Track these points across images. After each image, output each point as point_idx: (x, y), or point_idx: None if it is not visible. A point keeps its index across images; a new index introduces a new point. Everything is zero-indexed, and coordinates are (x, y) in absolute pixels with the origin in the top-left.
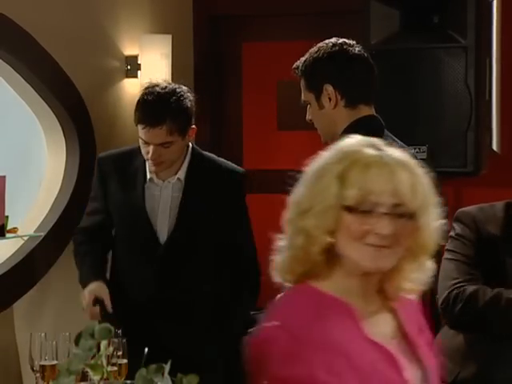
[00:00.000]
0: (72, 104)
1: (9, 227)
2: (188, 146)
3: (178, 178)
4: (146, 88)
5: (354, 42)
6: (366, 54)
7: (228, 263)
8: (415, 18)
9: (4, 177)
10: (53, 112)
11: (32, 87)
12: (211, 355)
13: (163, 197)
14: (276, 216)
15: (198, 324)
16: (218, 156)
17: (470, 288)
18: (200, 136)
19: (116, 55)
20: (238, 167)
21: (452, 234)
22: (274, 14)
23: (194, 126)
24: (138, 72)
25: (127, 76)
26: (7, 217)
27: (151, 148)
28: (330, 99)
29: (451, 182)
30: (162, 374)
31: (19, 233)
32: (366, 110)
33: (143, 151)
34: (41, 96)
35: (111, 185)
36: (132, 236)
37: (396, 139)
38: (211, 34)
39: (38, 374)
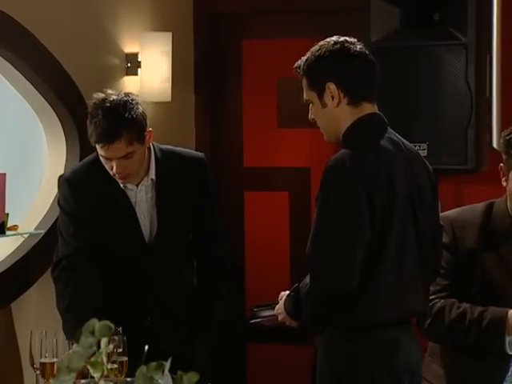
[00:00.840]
0: (72, 101)
1: (9, 225)
2: (150, 150)
3: (151, 179)
4: (94, 105)
5: (356, 40)
6: (367, 52)
7: (203, 255)
8: (415, 16)
9: (4, 174)
10: (53, 109)
11: (32, 85)
12: (199, 356)
13: (140, 200)
14: (276, 213)
15: (181, 320)
16: (218, 153)
17: (439, 303)
18: (200, 134)
19: (116, 53)
20: (198, 153)
21: None
22: (274, 11)
23: (150, 129)
24: (139, 70)
25: (127, 74)
26: (7, 214)
27: (114, 163)
28: (332, 97)
29: (451, 179)
30: (163, 372)
31: (19, 230)
32: (369, 108)
33: (107, 167)
34: (41, 93)
35: (87, 197)
36: (120, 241)
37: (399, 137)
38: (211, 32)
39: (38, 372)
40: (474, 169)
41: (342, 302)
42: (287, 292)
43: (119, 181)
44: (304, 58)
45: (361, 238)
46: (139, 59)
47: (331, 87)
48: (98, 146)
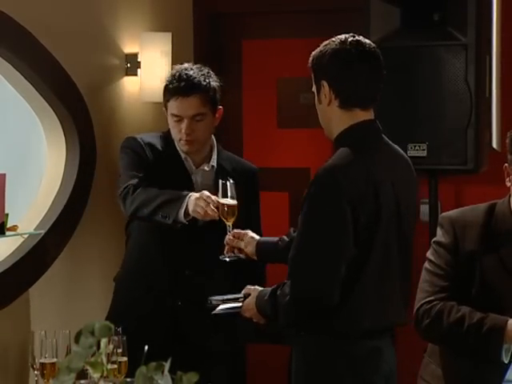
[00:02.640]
0: (72, 102)
1: (9, 225)
2: (213, 138)
3: (212, 165)
4: (174, 69)
5: (368, 42)
6: (374, 57)
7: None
8: (415, 16)
9: (4, 174)
10: (53, 110)
11: (32, 85)
12: (219, 346)
13: (201, 183)
14: (276, 213)
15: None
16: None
17: (438, 306)
18: None
19: (116, 53)
20: (253, 165)
21: (433, 239)
22: (273, 11)
23: (221, 107)
24: (138, 70)
25: (127, 74)
26: (7, 214)
27: (185, 122)
28: (325, 96)
29: (451, 179)
30: (162, 372)
31: (19, 230)
32: (362, 115)
33: (175, 131)
34: (40, 94)
35: (153, 161)
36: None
37: (392, 144)
38: (211, 32)
39: (38, 372)
40: (474, 169)
41: (320, 313)
42: (255, 287)
43: (183, 147)
44: (315, 51)
45: (345, 253)
46: (139, 59)
47: (325, 86)
48: (171, 103)
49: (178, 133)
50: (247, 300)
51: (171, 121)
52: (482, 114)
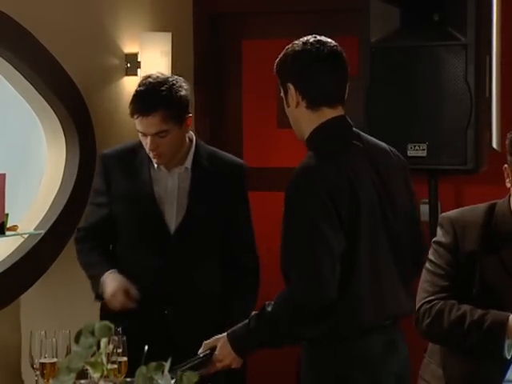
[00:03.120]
0: (72, 102)
1: (9, 225)
2: (191, 137)
3: (186, 168)
4: (141, 81)
5: (330, 41)
6: (336, 55)
7: (232, 255)
8: (415, 16)
9: (4, 174)
10: (52, 110)
11: (32, 85)
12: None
13: (170, 186)
14: (276, 214)
15: (204, 316)
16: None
17: (438, 305)
18: (200, 134)
19: (116, 53)
20: (240, 160)
21: (433, 239)
22: (273, 11)
23: (190, 115)
24: (138, 70)
25: (127, 74)
26: (7, 214)
27: (148, 139)
28: (292, 98)
29: (451, 179)
30: (162, 372)
31: (19, 230)
32: (330, 113)
33: (143, 143)
34: (40, 94)
35: (116, 177)
36: (140, 226)
37: (364, 136)
38: (211, 32)
39: (37, 372)
40: (474, 169)
41: (319, 313)
42: (216, 337)
43: (153, 160)
44: (278, 56)
45: (337, 247)
46: (139, 59)
47: (291, 88)
48: (135, 119)
49: (145, 146)
50: (219, 350)
51: (138, 133)
52: (482, 113)
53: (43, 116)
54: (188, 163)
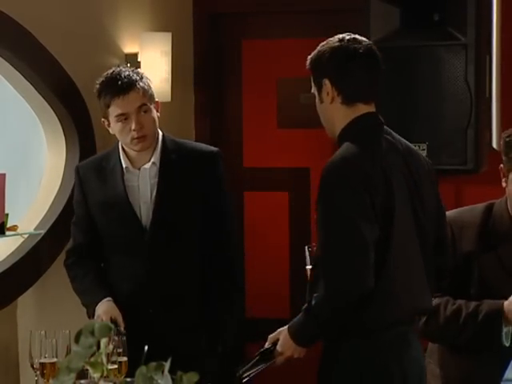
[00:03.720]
0: (72, 102)
1: (9, 225)
2: (158, 133)
3: (153, 163)
4: (104, 77)
5: (365, 40)
6: (372, 53)
7: (212, 248)
8: (415, 16)
9: (4, 174)
10: (52, 109)
11: (31, 85)
12: (203, 350)
13: (141, 184)
14: (276, 214)
15: (188, 314)
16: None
17: (433, 301)
18: (200, 133)
19: (116, 53)
20: (212, 147)
21: None
22: (273, 11)
23: (157, 100)
24: (138, 70)
25: None
26: (7, 214)
27: (133, 118)
28: (327, 94)
29: (451, 179)
30: (162, 372)
31: (19, 230)
32: (365, 109)
33: (124, 133)
34: (40, 94)
35: (91, 186)
36: (117, 230)
37: (396, 136)
38: (211, 32)
39: (37, 372)
40: (474, 169)
41: (356, 305)
42: (278, 330)
43: (136, 147)
44: (312, 53)
45: (372, 236)
46: (139, 59)
47: (327, 84)
48: (113, 106)
49: (128, 133)
50: (280, 342)
51: (117, 125)
52: (482, 113)
53: (43, 116)
54: (155, 158)
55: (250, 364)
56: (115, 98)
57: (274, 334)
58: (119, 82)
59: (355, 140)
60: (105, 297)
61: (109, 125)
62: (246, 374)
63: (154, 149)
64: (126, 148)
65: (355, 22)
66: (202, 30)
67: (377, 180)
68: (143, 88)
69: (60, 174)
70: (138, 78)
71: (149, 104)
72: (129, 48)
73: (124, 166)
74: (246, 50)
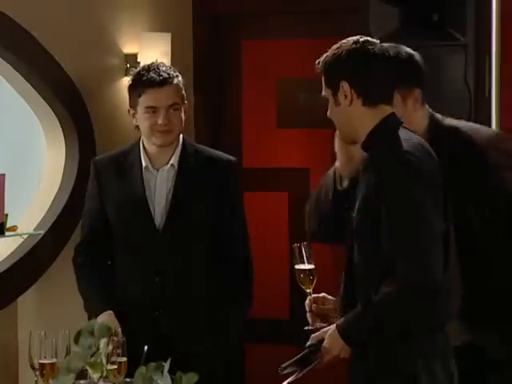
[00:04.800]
0: (71, 102)
1: (8, 225)
2: (179, 136)
3: (172, 165)
4: (139, 68)
5: (378, 41)
6: (388, 53)
7: (223, 254)
8: (414, 16)
9: (4, 175)
10: (52, 110)
11: (31, 85)
12: (210, 352)
13: (158, 186)
14: (275, 214)
15: (195, 317)
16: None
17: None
18: (199, 134)
19: (115, 53)
20: (229, 156)
21: None
22: (273, 11)
23: (186, 102)
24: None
25: (126, 74)
26: (7, 215)
27: (162, 112)
28: (345, 96)
29: None
30: (162, 373)
31: (19, 231)
32: (389, 109)
33: (148, 124)
34: (40, 94)
35: (108, 180)
36: (130, 228)
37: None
38: (210, 32)
39: (37, 372)
40: None
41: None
42: (323, 330)
43: (158, 140)
44: (324, 55)
45: (441, 229)
46: (138, 60)
47: (345, 86)
48: (145, 96)
49: (153, 126)
50: (327, 340)
51: (144, 116)
52: (482, 113)
53: (43, 116)
54: (174, 160)
55: (294, 359)
56: (149, 89)
57: (317, 333)
58: (157, 74)
59: (395, 137)
60: (107, 308)
61: (134, 115)
62: (287, 369)
63: (174, 151)
64: (146, 146)
65: (354, 22)
66: (201, 30)
67: (436, 173)
68: (178, 86)
69: (59, 174)
70: (175, 74)
71: (180, 103)
72: (128, 48)
73: (144, 164)
74: (246, 51)
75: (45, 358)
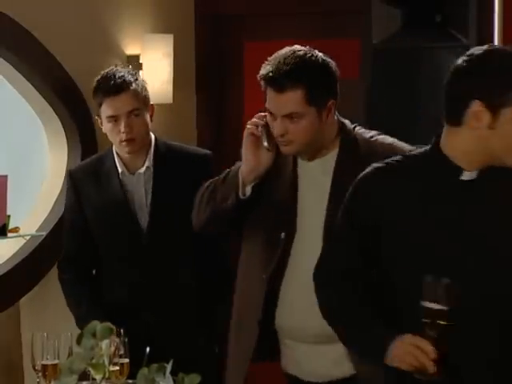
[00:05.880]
0: (73, 103)
1: (10, 227)
2: (150, 137)
3: (147, 167)
4: (100, 76)
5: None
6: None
7: (206, 251)
8: (417, 17)
9: (6, 176)
10: (54, 111)
11: (33, 86)
12: (201, 350)
13: (137, 190)
14: None
15: (183, 315)
16: (219, 155)
17: None
18: (201, 135)
19: (117, 54)
20: (204, 150)
21: None
22: (276, 13)
23: (152, 103)
24: (140, 72)
25: None
26: (9, 216)
27: (122, 121)
28: (480, 119)
29: None
30: (164, 374)
31: (21, 232)
32: None
33: (113, 134)
34: (42, 95)
35: (85, 189)
36: (115, 235)
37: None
38: (213, 33)
39: (39, 374)
40: None
41: None
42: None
43: (124, 150)
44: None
45: None
46: (140, 61)
47: (477, 105)
48: (105, 105)
49: (117, 135)
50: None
51: (108, 125)
52: None
53: (45, 117)
54: (148, 162)
55: None
56: (106, 98)
57: None
58: (112, 82)
59: None
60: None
61: (101, 123)
62: None
63: (147, 153)
64: (118, 152)
65: (357, 23)
66: (203, 31)
67: None
68: (135, 91)
69: (62, 176)
70: (131, 79)
71: (141, 108)
72: (130, 50)
73: (120, 170)
74: (248, 52)
75: (47, 359)
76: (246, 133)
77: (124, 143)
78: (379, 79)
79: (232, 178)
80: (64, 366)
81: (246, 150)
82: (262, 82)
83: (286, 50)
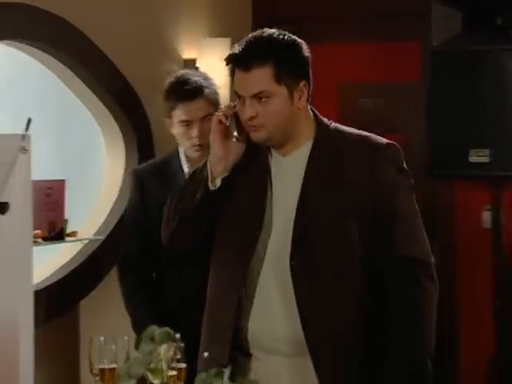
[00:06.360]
0: (131, 108)
1: (68, 231)
2: None
3: None
4: (171, 77)
5: None
6: None
7: None
8: (478, 19)
9: (64, 180)
10: (112, 115)
11: (91, 91)
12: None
13: None
14: None
15: None
16: None
17: None
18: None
19: (174, 59)
20: None
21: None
22: (333, 16)
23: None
24: (208, 76)
25: None
26: (66, 220)
27: (195, 126)
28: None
29: None
30: (222, 379)
31: (79, 236)
32: None
33: (184, 138)
34: (100, 99)
35: (150, 186)
36: None
37: None
38: None
39: (97, 378)
40: None
41: None
42: None
43: (194, 154)
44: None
45: None
46: (197, 65)
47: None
48: (178, 110)
49: (188, 139)
50: None
51: (180, 129)
52: None
53: (103, 122)
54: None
55: None
56: (179, 103)
57: None
58: (186, 87)
59: None
60: None
61: (171, 125)
62: None
63: None
64: (189, 154)
65: (417, 25)
66: None
67: None
68: (209, 96)
69: (119, 180)
70: (206, 84)
71: (213, 112)
72: (187, 54)
73: (186, 171)
74: None
75: (104, 363)
76: (213, 121)
77: (196, 147)
78: (439, 81)
79: (200, 172)
80: (122, 371)
81: (213, 140)
82: (229, 66)
83: (256, 31)
